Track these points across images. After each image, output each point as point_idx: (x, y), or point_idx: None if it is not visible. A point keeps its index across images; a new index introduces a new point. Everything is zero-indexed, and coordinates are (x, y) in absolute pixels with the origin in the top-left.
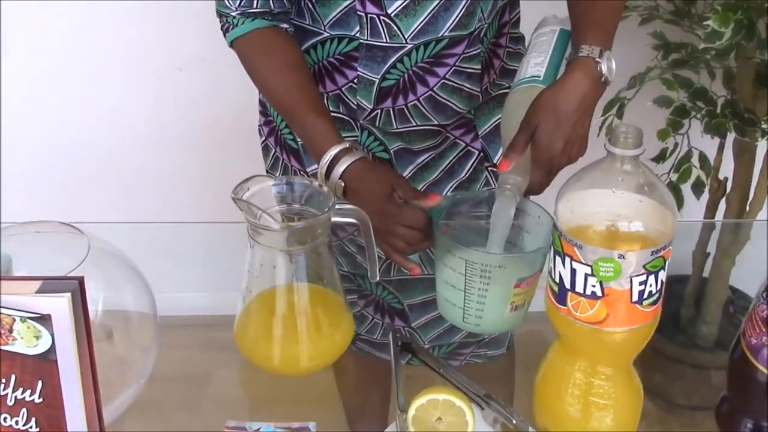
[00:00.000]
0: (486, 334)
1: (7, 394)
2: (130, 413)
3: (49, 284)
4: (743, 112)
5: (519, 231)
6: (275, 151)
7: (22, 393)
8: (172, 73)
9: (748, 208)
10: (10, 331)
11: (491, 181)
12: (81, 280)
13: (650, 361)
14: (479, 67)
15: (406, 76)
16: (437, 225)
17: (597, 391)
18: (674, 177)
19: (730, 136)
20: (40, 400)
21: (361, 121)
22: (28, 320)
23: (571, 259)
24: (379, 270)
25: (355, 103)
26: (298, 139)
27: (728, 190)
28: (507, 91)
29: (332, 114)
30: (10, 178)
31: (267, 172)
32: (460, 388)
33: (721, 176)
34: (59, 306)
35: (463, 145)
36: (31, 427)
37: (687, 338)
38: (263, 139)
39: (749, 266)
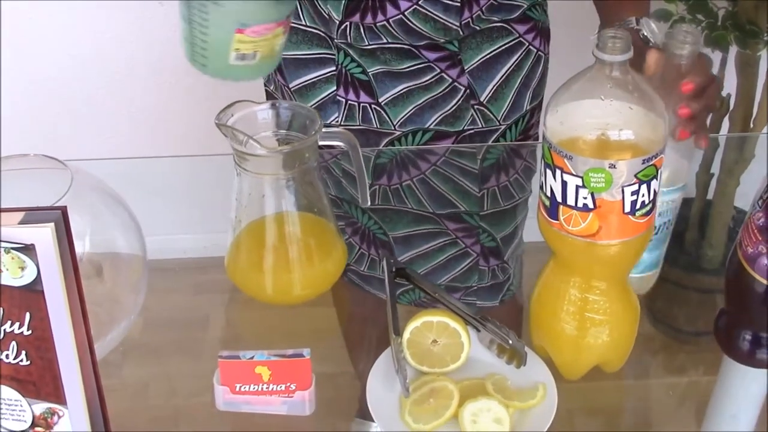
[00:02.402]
0: (216, 76)
1: None
2: (125, 355)
3: (32, 215)
4: (745, 24)
5: None
6: None
7: (11, 326)
8: (153, 6)
9: (752, 125)
10: None
11: (477, 119)
12: (64, 210)
13: (654, 286)
14: (458, 0)
15: None
16: None
17: (592, 307)
18: None
19: (732, 50)
20: (29, 332)
21: (336, 39)
22: (12, 251)
23: (562, 171)
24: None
25: (327, 12)
26: (282, 53)
27: (731, 107)
28: (497, 25)
29: (309, 29)
30: None
31: (264, 86)
32: (456, 311)
33: (723, 93)
34: (42, 235)
35: (450, 80)
36: (21, 360)
37: (691, 262)
38: None
39: (754, 186)
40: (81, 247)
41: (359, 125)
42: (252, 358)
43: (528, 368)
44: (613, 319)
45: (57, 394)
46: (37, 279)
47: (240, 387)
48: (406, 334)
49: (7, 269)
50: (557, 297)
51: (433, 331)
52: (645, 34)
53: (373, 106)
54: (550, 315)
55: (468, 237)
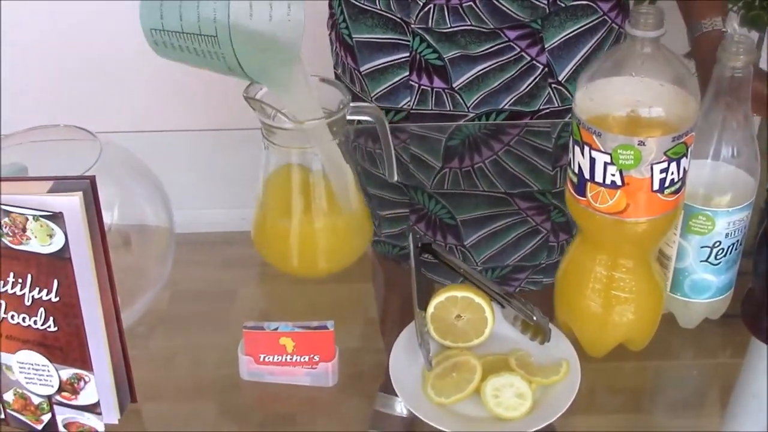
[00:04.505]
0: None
1: (24, 294)
2: (151, 327)
3: (61, 184)
4: None
5: None
6: (335, 47)
7: (39, 292)
8: None
9: None
10: (24, 230)
11: (554, 98)
12: (92, 179)
13: None
14: None
15: None
16: None
17: (618, 285)
18: None
19: None
20: (57, 299)
21: (413, 24)
22: (41, 219)
23: (590, 147)
24: (432, 181)
25: None
26: (354, 36)
27: None
28: (583, 2)
29: (385, 15)
30: (24, 85)
31: (333, 68)
32: (481, 287)
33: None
34: (71, 204)
35: (528, 58)
36: (49, 327)
37: None
38: (329, 32)
39: None
40: (109, 217)
41: (432, 109)
42: (276, 329)
43: (552, 345)
44: (639, 298)
45: (83, 360)
46: (65, 247)
47: (264, 357)
48: (431, 309)
49: (36, 237)
50: (583, 274)
51: (458, 306)
52: (728, 31)
53: (446, 90)
54: (575, 292)
55: (539, 215)
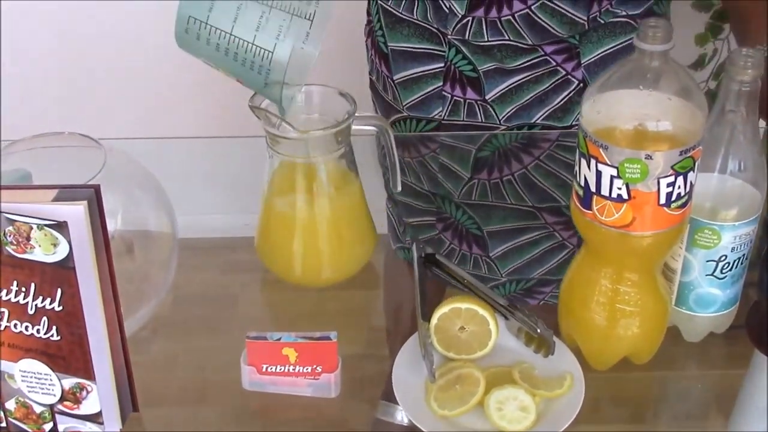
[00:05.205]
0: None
1: (27, 303)
2: (154, 332)
3: (65, 192)
4: None
5: None
6: (371, 54)
7: (42, 301)
8: None
9: None
10: (28, 239)
11: None
12: (97, 188)
13: None
14: None
15: None
16: None
17: (623, 298)
18: (713, 85)
19: None
20: (60, 308)
21: (450, 35)
22: (45, 228)
23: (597, 160)
24: (460, 191)
25: (448, 5)
26: (389, 44)
27: None
28: (622, 20)
29: (422, 25)
30: (28, 92)
31: (369, 74)
32: (485, 298)
33: None
34: (75, 213)
35: (564, 73)
36: (52, 336)
37: None
38: (366, 38)
39: None
40: (113, 224)
41: (463, 120)
42: (279, 339)
43: (556, 357)
44: (644, 312)
45: (86, 370)
46: (69, 256)
47: (266, 367)
48: (434, 320)
49: (40, 245)
50: (588, 287)
51: (461, 317)
52: None
53: (479, 102)
54: (580, 305)
55: (565, 230)
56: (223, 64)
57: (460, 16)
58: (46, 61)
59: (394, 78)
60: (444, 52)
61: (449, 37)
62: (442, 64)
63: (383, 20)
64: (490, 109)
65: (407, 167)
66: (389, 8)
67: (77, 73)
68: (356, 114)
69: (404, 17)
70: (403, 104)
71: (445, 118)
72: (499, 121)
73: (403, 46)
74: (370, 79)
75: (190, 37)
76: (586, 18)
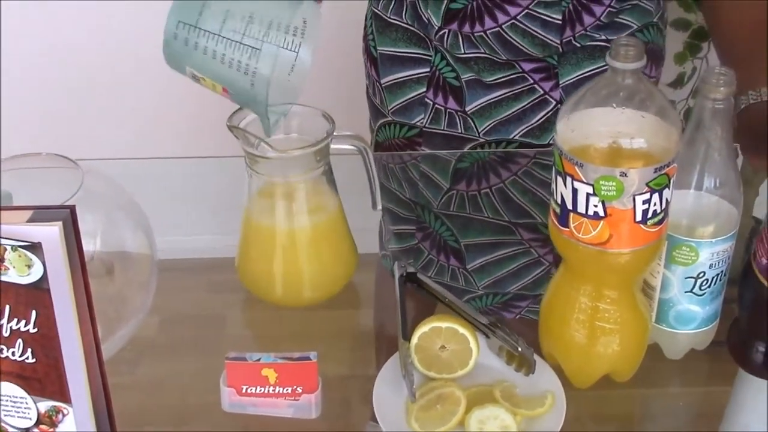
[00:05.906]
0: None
1: (2, 325)
2: (134, 353)
3: (41, 213)
4: None
5: None
6: (364, 58)
7: (17, 323)
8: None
9: None
10: (2, 260)
11: None
12: (72, 209)
13: None
14: (559, 17)
15: (474, 4)
16: None
17: (603, 316)
18: (692, 103)
19: None
20: (35, 330)
21: (434, 41)
22: (19, 249)
23: (573, 178)
24: (439, 201)
25: (426, 17)
26: (379, 48)
27: None
28: (601, 44)
29: (410, 29)
30: (7, 112)
31: (365, 78)
32: (465, 317)
33: None
34: (50, 234)
35: (541, 92)
36: (27, 358)
37: None
38: (363, 44)
39: None
40: (91, 245)
41: (444, 129)
42: (259, 360)
43: (537, 376)
44: (624, 329)
45: (62, 393)
46: (44, 277)
47: (246, 389)
48: (415, 339)
49: (14, 267)
50: (567, 305)
51: (442, 336)
52: None
53: (459, 113)
54: (560, 323)
55: (542, 247)
56: (212, 70)
57: (437, 27)
58: (25, 83)
59: (382, 82)
60: (430, 56)
61: (434, 43)
62: (428, 69)
63: (374, 24)
64: (470, 120)
65: (390, 174)
66: (379, 12)
67: (57, 94)
68: (335, 133)
69: (393, 21)
70: (389, 108)
71: (427, 125)
72: (479, 134)
73: (391, 51)
74: (366, 83)
75: (178, 42)
76: (558, 41)
